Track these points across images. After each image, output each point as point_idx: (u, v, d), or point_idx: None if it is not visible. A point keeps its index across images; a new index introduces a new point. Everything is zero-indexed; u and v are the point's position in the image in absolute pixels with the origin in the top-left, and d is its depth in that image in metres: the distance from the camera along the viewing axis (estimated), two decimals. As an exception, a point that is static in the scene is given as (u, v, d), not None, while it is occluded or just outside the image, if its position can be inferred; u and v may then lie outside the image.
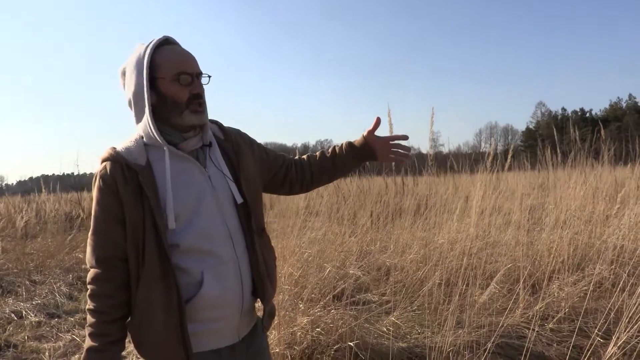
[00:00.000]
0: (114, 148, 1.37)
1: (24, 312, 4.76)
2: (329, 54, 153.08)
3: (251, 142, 1.62)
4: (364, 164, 1.80)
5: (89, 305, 1.35)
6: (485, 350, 2.47)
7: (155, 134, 1.33)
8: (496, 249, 4.43)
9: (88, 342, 1.35)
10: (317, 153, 1.78)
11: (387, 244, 5.20)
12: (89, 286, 1.36)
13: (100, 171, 1.34)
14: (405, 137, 1.72)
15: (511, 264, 4.03)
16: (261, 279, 1.46)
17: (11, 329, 4.36)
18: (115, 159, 1.33)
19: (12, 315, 4.68)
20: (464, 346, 2.70)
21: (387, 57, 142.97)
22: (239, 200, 1.44)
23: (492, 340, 2.60)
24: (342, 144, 1.75)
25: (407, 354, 2.97)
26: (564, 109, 70.18)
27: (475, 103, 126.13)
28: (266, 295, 1.49)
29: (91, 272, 1.36)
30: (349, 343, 2.78)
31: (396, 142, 1.72)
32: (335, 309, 3.35)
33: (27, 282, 5.82)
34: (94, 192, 1.36)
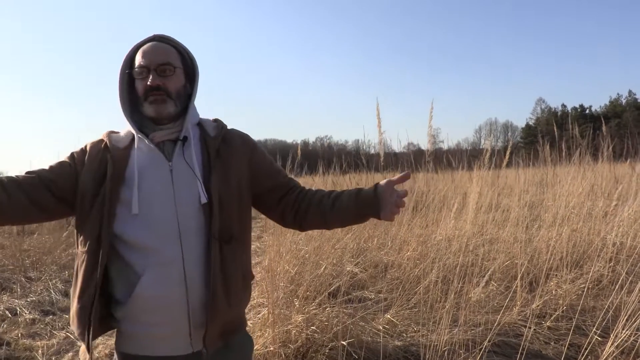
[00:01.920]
0: (110, 131, 1.45)
1: (18, 309, 4.73)
2: (328, 49, 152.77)
3: (253, 148, 1.53)
4: (363, 218, 1.50)
5: None
6: (481, 349, 2.44)
7: (128, 120, 1.41)
8: (494, 245, 4.40)
9: None
10: (327, 191, 1.56)
11: (385, 240, 5.17)
12: None
13: (86, 143, 1.44)
14: (407, 177, 1.45)
15: (509, 261, 4.00)
16: (212, 289, 1.31)
17: (5, 326, 4.33)
18: (101, 138, 1.42)
19: (7, 312, 4.64)
20: (459, 345, 2.66)
21: (385, 53, 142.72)
22: (203, 199, 1.34)
23: (488, 339, 2.56)
24: (351, 190, 1.51)
25: (402, 353, 2.94)
26: (563, 105, 70.11)
27: (475, 99, 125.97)
28: (214, 309, 1.31)
29: None
30: (342, 342, 2.74)
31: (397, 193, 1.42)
32: (331, 307, 3.32)
33: (23, 279, 5.79)
34: None
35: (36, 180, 1.31)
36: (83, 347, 1.39)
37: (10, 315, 4.60)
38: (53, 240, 7.57)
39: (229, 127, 1.54)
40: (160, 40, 1.44)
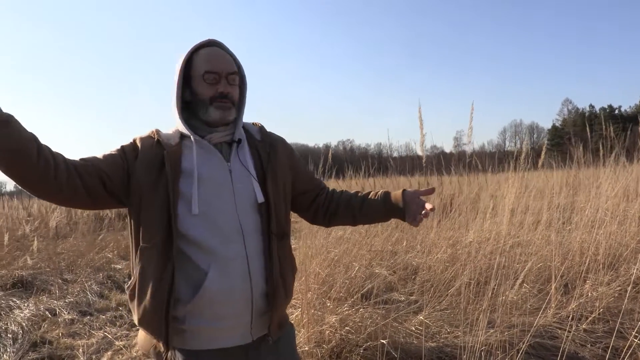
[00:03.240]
0: (156, 129, 1.46)
1: (57, 310, 4.89)
2: (352, 52, 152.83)
3: (292, 152, 1.63)
4: (390, 218, 1.67)
5: None
6: (518, 350, 2.43)
7: (182, 123, 1.42)
8: (526, 248, 4.36)
9: None
10: (353, 192, 1.72)
11: (413, 243, 5.16)
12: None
13: (134, 137, 1.44)
14: (432, 191, 1.61)
15: (541, 263, 3.96)
16: (274, 282, 1.42)
17: (46, 326, 4.48)
18: (151, 135, 1.43)
19: (47, 312, 4.80)
20: (496, 346, 2.66)
21: (410, 56, 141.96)
22: (260, 199, 1.43)
23: (524, 341, 2.55)
24: (377, 192, 1.68)
25: (436, 354, 2.95)
26: (591, 106, 68.53)
27: (499, 101, 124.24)
28: (276, 301, 1.43)
29: None
30: (382, 341, 2.77)
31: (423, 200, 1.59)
32: (364, 308, 3.35)
33: (60, 281, 5.97)
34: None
35: (91, 169, 1.31)
36: (140, 341, 1.46)
37: (50, 315, 4.76)
38: (86, 244, 7.78)
39: (273, 133, 1.62)
40: (219, 46, 1.48)
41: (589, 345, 3.03)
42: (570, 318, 3.16)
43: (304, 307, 3.24)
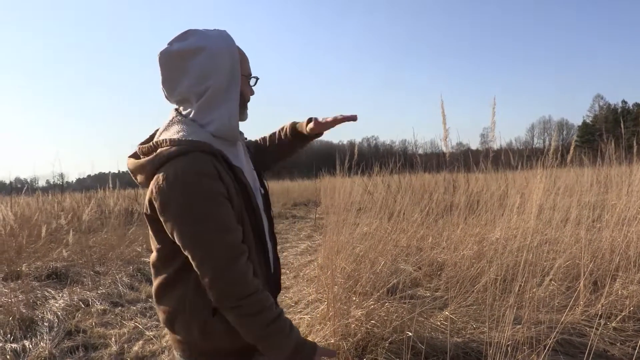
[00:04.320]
0: (189, 139, 1.23)
1: (90, 301, 5.05)
2: (376, 48, 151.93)
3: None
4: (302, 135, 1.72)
5: (263, 308, 1.21)
6: (545, 345, 2.42)
7: (237, 126, 1.35)
8: (554, 246, 4.31)
9: (286, 332, 1.25)
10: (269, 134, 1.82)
11: (439, 240, 5.15)
12: (250, 299, 1.20)
13: (191, 163, 1.18)
14: (354, 118, 1.57)
15: (570, 260, 3.91)
16: (279, 264, 1.57)
17: (79, 315, 4.64)
18: (202, 149, 1.22)
19: (80, 303, 4.97)
20: (522, 342, 2.65)
21: (436, 53, 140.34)
22: (263, 191, 1.52)
23: (552, 337, 2.54)
24: (285, 128, 1.75)
25: (462, 349, 2.96)
26: (624, 102, 66.54)
27: (528, 97, 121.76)
28: (280, 286, 1.58)
29: (239, 264, 1.20)
30: (408, 333, 2.79)
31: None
32: (389, 303, 3.37)
33: (92, 273, 6.16)
34: (194, 189, 1.16)
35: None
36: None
37: (83, 305, 4.93)
38: (117, 237, 7.98)
39: None
40: None
41: (618, 344, 2.99)
42: (599, 316, 3.12)
43: (329, 300, 3.29)
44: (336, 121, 1.58)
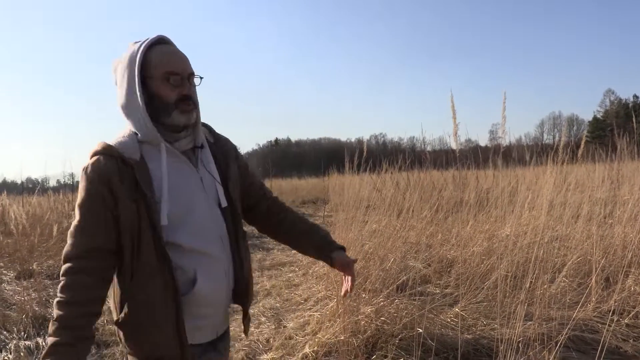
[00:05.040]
0: (107, 142, 1.33)
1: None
2: (382, 46, 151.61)
3: (237, 152, 1.62)
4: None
5: (61, 297, 1.26)
6: (557, 342, 2.41)
7: (152, 130, 1.33)
8: (565, 242, 4.28)
9: (53, 338, 1.23)
10: (296, 215, 1.72)
11: (448, 237, 5.13)
12: (65, 277, 1.28)
13: (93, 164, 1.30)
14: (345, 294, 1.67)
15: (581, 257, 3.88)
16: (246, 281, 1.51)
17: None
18: (110, 153, 1.30)
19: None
20: (533, 338, 2.64)
21: (441, 48, 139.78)
22: (224, 203, 1.45)
23: (563, 334, 2.52)
24: (321, 234, 1.68)
25: (472, 346, 2.95)
26: (635, 97, 65.67)
27: (537, 93, 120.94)
28: (248, 298, 1.55)
29: (73, 263, 1.28)
30: (418, 329, 2.78)
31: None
32: (399, 299, 3.37)
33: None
34: (84, 184, 1.30)
35: (104, 275, 1.32)
36: None
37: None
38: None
39: (217, 133, 1.59)
40: (172, 44, 1.42)
41: (631, 340, 2.96)
42: (611, 312, 3.10)
43: (339, 297, 3.29)
44: (348, 277, 1.65)
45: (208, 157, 1.46)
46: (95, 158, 1.31)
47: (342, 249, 1.66)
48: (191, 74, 1.39)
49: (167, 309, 1.31)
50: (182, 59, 1.38)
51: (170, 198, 1.33)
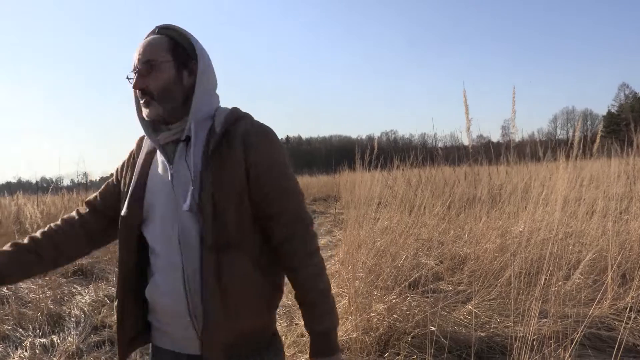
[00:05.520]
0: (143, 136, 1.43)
1: (115, 296, 5.14)
2: (390, 43, 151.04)
3: (252, 146, 1.26)
4: None
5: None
6: (572, 340, 2.37)
7: (141, 124, 1.34)
8: (579, 238, 4.22)
9: None
10: (303, 283, 1.28)
11: (460, 233, 5.10)
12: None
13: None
14: None
15: (596, 253, 3.83)
16: (207, 302, 1.19)
17: (105, 311, 4.73)
18: (137, 142, 1.44)
19: (105, 298, 5.06)
20: (548, 336, 2.61)
21: (451, 43, 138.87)
22: (185, 206, 1.20)
23: (579, 331, 2.49)
24: (309, 318, 1.28)
25: (486, 343, 2.92)
26: (651, 90, 64.56)
27: (550, 88, 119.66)
28: (208, 323, 1.20)
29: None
30: (431, 327, 2.77)
31: None
32: (411, 297, 3.35)
33: (116, 269, 6.25)
34: None
35: (95, 218, 1.42)
36: None
37: (108, 301, 5.01)
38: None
39: (245, 118, 1.32)
40: (155, 33, 1.32)
41: (648, 338, 2.92)
42: (628, 309, 3.05)
43: (351, 295, 3.28)
44: None
45: (196, 152, 1.25)
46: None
47: (323, 344, 1.27)
48: (143, 63, 1.25)
49: (125, 284, 1.33)
50: (138, 51, 1.27)
51: (135, 192, 1.31)
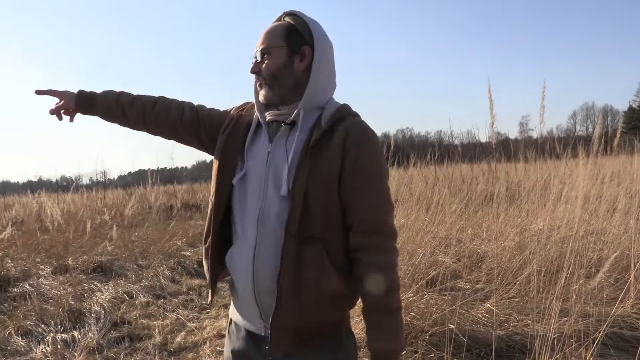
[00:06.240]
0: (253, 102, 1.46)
1: (134, 293, 5.21)
2: (407, 39, 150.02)
3: (352, 149, 1.25)
4: None
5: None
6: (594, 339, 2.33)
7: (255, 99, 1.40)
8: (600, 236, 4.14)
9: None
10: (370, 295, 1.26)
11: (478, 231, 5.04)
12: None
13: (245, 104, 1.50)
14: None
15: (619, 251, 3.76)
16: (280, 288, 1.21)
17: (124, 307, 4.79)
18: (251, 104, 1.45)
19: (125, 295, 5.13)
20: (569, 335, 2.57)
21: (467, 39, 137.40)
22: (283, 190, 1.22)
23: (601, 330, 2.44)
24: (369, 324, 1.30)
25: (505, 342, 2.89)
26: (673, 86, 63.03)
27: (569, 83, 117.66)
28: (279, 308, 1.22)
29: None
30: (450, 325, 2.74)
31: None
32: (429, 295, 3.32)
33: (135, 266, 6.35)
34: None
35: (193, 117, 1.49)
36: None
37: (127, 298, 5.08)
38: (157, 232, 8.20)
39: (352, 118, 1.33)
40: (279, 19, 1.37)
41: (672, 338, 2.85)
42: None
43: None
44: None
45: (297, 138, 1.27)
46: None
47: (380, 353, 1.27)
48: (261, 50, 1.32)
49: (208, 237, 1.38)
50: (261, 36, 1.35)
51: (241, 155, 1.36)
